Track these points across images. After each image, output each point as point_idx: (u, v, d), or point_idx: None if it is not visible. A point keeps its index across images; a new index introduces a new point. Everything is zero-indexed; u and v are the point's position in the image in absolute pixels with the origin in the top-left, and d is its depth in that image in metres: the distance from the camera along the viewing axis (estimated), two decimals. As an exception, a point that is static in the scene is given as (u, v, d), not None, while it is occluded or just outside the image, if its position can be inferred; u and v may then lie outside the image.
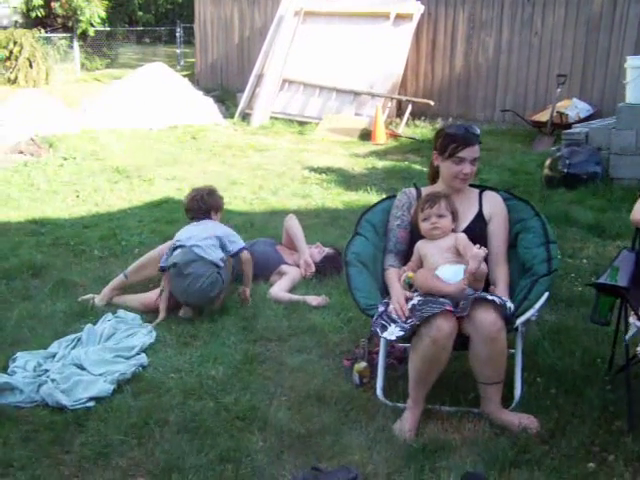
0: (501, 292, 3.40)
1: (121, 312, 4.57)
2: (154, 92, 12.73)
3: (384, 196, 7.75)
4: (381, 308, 3.37)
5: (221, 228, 4.88)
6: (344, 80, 12.48)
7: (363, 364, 3.66)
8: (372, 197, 7.75)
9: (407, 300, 3.36)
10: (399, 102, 12.73)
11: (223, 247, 4.71)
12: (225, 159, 9.98)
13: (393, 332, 3.18)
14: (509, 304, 3.25)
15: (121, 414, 3.41)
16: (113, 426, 3.31)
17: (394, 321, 3.25)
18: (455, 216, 3.58)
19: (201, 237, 4.66)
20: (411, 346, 3.27)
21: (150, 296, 4.73)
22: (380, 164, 9.78)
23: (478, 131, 3.63)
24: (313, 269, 5.18)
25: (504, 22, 12.06)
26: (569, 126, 9.50)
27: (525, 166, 9.16)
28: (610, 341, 3.78)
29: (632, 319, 3.20)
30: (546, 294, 3.35)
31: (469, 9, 12.43)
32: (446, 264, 3.43)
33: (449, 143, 3.57)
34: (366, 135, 11.67)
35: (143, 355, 4.00)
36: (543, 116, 10.96)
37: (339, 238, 6.14)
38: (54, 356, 4.01)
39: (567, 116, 10.53)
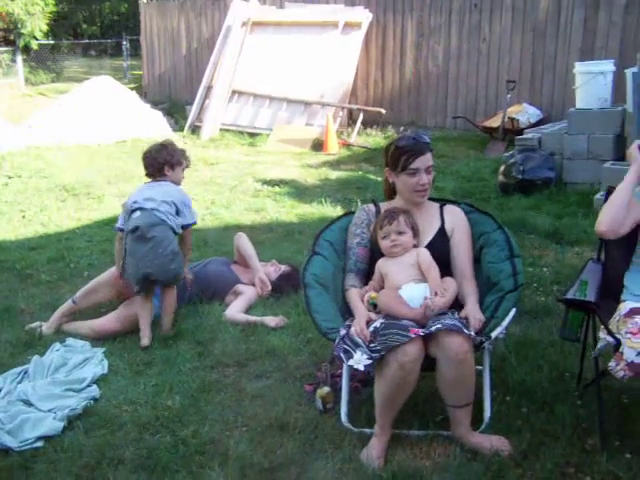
0: (471, 307, 3.27)
1: (70, 340, 4.36)
2: (101, 106, 12.46)
3: (339, 207, 7.80)
4: (343, 331, 3.22)
5: (177, 193, 4.67)
6: (294, 90, 12.35)
7: (326, 389, 3.51)
8: (326, 209, 7.64)
9: (370, 322, 3.22)
10: (350, 111, 12.64)
11: (177, 214, 4.58)
12: (175, 173, 9.75)
13: (360, 360, 3.03)
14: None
15: (72, 454, 3.21)
16: (64, 468, 3.11)
17: (358, 345, 3.11)
18: (416, 232, 3.46)
19: (158, 200, 4.49)
20: (377, 372, 3.12)
21: (101, 322, 4.52)
22: (334, 174, 9.66)
23: (428, 139, 3.52)
24: (269, 287, 5.01)
25: (452, 29, 12.06)
26: (520, 131, 9.50)
27: (479, 173, 9.13)
28: (577, 354, 3.70)
29: (602, 333, 3.10)
30: (513, 310, 3.24)
31: (417, 16, 12.40)
32: (410, 282, 3.31)
33: (400, 156, 3.45)
34: (318, 145, 11.55)
35: (94, 387, 3.80)
36: (494, 122, 10.97)
37: (295, 253, 6.00)
38: (-1, 391, 3.79)
39: (518, 121, 10.56)
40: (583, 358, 3.60)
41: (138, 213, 4.42)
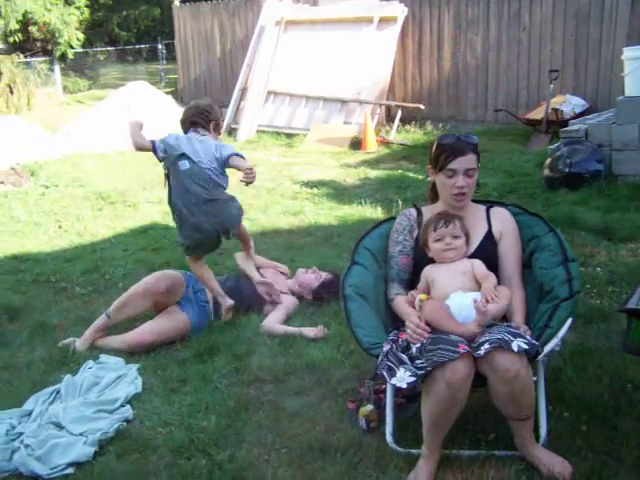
0: (518, 324, 3.04)
1: (103, 357, 4.21)
2: (137, 111, 12.36)
3: (379, 208, 7.57)
4: (386, 347, 3.01)
5: (219, 148, 4.55)
6: (331, 88, 12.15)
7: (370, 407, 3.29)
8: (366, 210, 7.43)
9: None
10: (388, 108, 12.41)
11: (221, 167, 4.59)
12: (212, 178, 9.60)
13: (403, 378, 2.82)
14: (530, 341, 2.88)
15: (103, 481, 3.05)
16: (94, 498, 2.96)
17: (402, 362, 2.90)
18: (468, 238, 3.25)
19: (206, 159, 4.49)
20: (423, 389, 2.90)
21: (135, 334, 4.37)
22: (373, 174, 9.44)
23: (474, 139, 3.29)
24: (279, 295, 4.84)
25: (491, 19, 11.74)
26: (565, 123, 9.16)
27: (523, 167, 8.83)
28: (638, 363, 3.44)
29: (669, 344, 2.85)
30: (570, 320, 3.00)
31: (454, 8, 12.10)
32: (458, 291, 3.08)
33: (440, 154, 3.25)
34: (356, 144, 11.33)
35: (128, 408, 3.64)
36: (537, 114, 10.64)
37: (335, 258, 5.80)
38: (30, 414, 3.64)
39: (562, 112, 10.21)
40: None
41: (188, 165, 4.45)
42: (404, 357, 2.92)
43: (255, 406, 3.60)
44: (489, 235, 3.30)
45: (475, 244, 3.28)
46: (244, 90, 13.01)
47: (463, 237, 3.21)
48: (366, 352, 3.09)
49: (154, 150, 4.54)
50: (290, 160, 10.68)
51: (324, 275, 4.94)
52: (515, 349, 2.76)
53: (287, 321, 4.60)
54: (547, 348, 2.91)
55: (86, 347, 4.43)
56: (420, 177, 8.97)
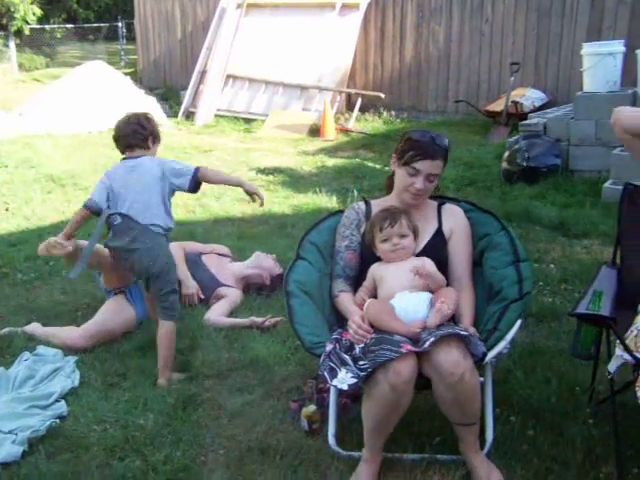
0: (466, 326, 2.94)
1: (41, 348, 4.04)
2: (94, 92, 12.08)
3: (334, 198, 7.45)
4: (329, 347, 2.89)
5: (160, 165, 3.92)
6: (291, 74, 11.98)
7: (312, 407, 3.18)
8: (322, 199, 7.32)
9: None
10: (348, 96, 12.28)
11: (172, 191, 3.95)
12: (167, 162, 9.39)
13: (345, 380, 2.71)
14: (476, 341, 2.79)
15: (30, 484, 2.90)
16: (18, 502, 2.80)
17: (345, 363, 2.79)
18: (416, 234, 3.13)
19: (138, 192, 3.84)
20: (365, 391, 2.80)
21: (72, 338, 4.14)
22: (330, 162, 9.31)
23: (446, 144, 3.14)
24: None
25: (454, 9, 11.64)
26: (524, 116, 9.13)
27: (482, 159, 8.76)
28: (588, 364, 3.37)
29: (618, 350, 2.77)
30: (519, 322, 2.91)
31: (417, -4, 11.99)
32: (405, 291, 2.97)
33: (409, 149, 3.10)
34: (315, 131, 11.19)
35: (62, 403, 3.47)
36: (497, 106, 10.59)
37: (287, 249, 5.65)
38: (-41, 410, 3.47)
39: (522, 105, 10.17)
40: (595, 372, 3.27)
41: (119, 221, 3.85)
42: (347, 358, 2.81)
43: (195, 403, 3.46)
44: (439, 233, 3.20)
45: (424, 241, 3.17)
46: (203, 73, 12.77)
47: (411, 235, 3.10)
48: (308, 351, 2.97)
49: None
50: (248, 146, 10.50)
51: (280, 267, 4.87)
52: (463, 333, 2.70)
53: (232, 315, 4.47)
54: (494, 351, 2.83)
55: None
56: (378, 166, 8.88)
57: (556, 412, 3.19)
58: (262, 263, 4.83)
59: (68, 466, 2.99)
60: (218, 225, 6.51)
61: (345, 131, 11.10)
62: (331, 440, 3.02)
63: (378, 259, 3.14)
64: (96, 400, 3.52)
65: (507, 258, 3.11)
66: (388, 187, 3.37)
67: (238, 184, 4.24)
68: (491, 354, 2.81)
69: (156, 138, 4.08)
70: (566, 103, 9.45)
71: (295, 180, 8.32)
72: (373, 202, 3.35)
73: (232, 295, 4.60)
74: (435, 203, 3.28)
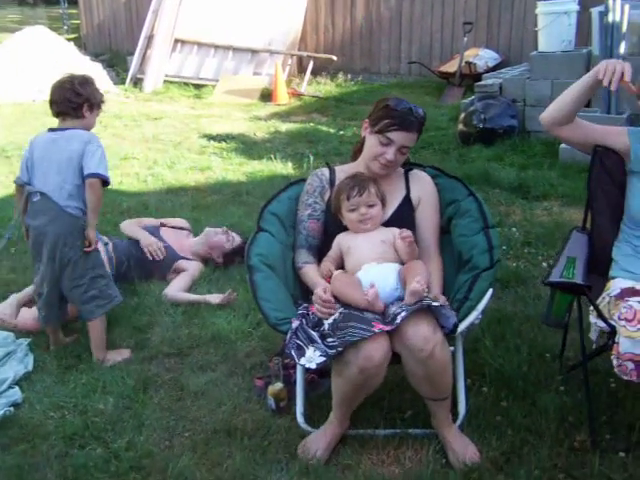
0: (436, 295, 2.85)
1: (-10, 332, 3.85)
2: (36, 59, 11.62)
3: (290, 164, 7.30)
4: (295, 323, 2.77)
5: (86, 144, 3.49)
6: (241, 38, 11.66)
7: (279, 385, 3.07)
8: (277, 166, 7.15)
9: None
10: (300, 59, 12.03)
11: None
12: (116, 131, 9.07)
13: (313, 358, 2.60)
14: (447, 311, 2.69)
15: (-18, 478, 2.74)
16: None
17: (312, 340, 2.67)
18: (384, 203, 3.01)
19: (55, 168, 3.51)
20: (334, 369, 2.69)
21: (26, 317, 3.95)
22: (283, 127, 9.12)
23: (423, 116, 2.99)
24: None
25: (405, -32, 11.45)
26: (478, 76, 9.04)
27: (437, 121, 8.65)
28: (556, 331, 3.32)
29: (592, 317, 2.71)
30: (490, 291, 2.83)
31: (368, -45, 11.75)
32: (372, 262, 2.86)
33: (385, 116, 2.94)
34: (267, 96, 10.94)
35: (16, 390, 3.29)
36: (451, 67, 10.47)
37: (243, 218, 5.54)
38: None
39: (476, 66, 10.06)
40: (565, 338, 3.22)
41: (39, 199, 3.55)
42: (314, 335, 2.70)
43: (156, 384, 3.33)
44: (407, 200, 3.08)
45: (391, 210, 3.05)
46: (150, 38, 12.38)
47: (379, 204, 2.97)
48: (273, 328, 2.84)
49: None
50: (198, 112, 10.23)
51: (236, 237, 4.67)
52: (435, 304, 2.61)
53: (192, 288, 4.32)
54: (466, 322, 2.74)
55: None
56: (332, 131, 8.73)
57: (528, 381, 3.13)
58: (210, 241, 4.61)
59: (24, 458, 2.84)
60: (172, 195, 6.31)
61: (297, 95, 10.88)
62: (299, 418, 2.93)
63: (343, 228, 3.02)
64: (52, 385, 3.36)
65: (476, 225, 3.01)
66: (355, 153, 3.23)
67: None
68: (463, 325, 2.72)
69: (93, 106, 3.65)
70: (519, 63, 9.39)
71: (248, 147, 8.13)
72: (337, 168, 3.22)
73: (192, 268, 4.44)
74: (401, 170, 3.16)
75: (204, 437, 2.92)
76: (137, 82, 12.21)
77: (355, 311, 2.68)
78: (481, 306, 2.78)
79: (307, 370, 3.00)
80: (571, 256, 2.79)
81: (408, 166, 3.21)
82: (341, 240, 3.00)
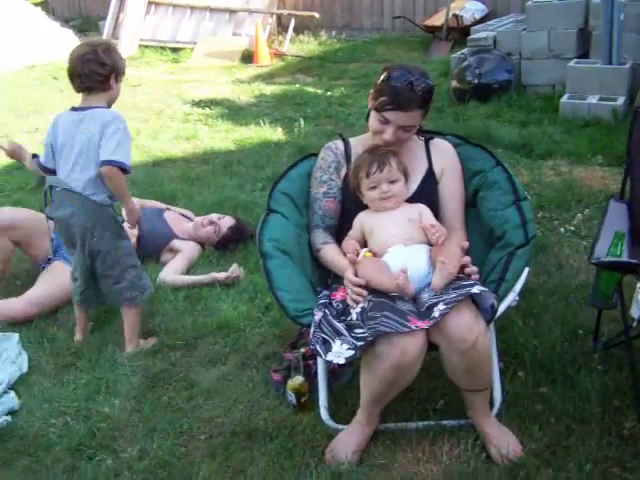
0: (472, 270, 2.59)
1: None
2: (2, 27, 11.14)
3: (279, 129, 6.99)
4: (318, 315, 2.53)
5: (107, 125, 3.16)
6: (217, -3, 11.25)
7: (299, 379, 2.82)
8: (266, 131, 6.86)
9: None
10: (279, 17, 11.63)
11: None
12: (94, 100, 8.72)
13: (341, 353, 2.37)
14: (486, 293, 2.45)
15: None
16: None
17: (339, 333, 2.44)
18: (406, 177, 2.75)
19: (76, 156, 3.19)
20: (363, 362, 2.46)
21: (16, 306, 3.70)
22: (268, 89, 8.78)
23: (427, 89, 2.67)
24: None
25: None
26: (466, 29, 8.76)
27: (427, 78, 8.37)
28: (583, 301, 3.14)
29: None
30: (526, 270, 2.61)
31: None
32: (399, 244, 2.61)
33: (382, 94, 2.66)
34: (248, 57, 10.55)
35: (12, 396, 3.02)
36: (437, 20, 10.13)
37: (236, 190, 5.29)
38: None
39: (462, 18, 9.73)
40: (600, 313, 3.00)
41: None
42: (340, 326, 2.46)
43: (164, 382, 3.07)
44: (430, 173, 2.83)
45: (414, 185, 2.80)
46: (122, 1, 11.92)
47: (402, 179, 2.72)
48: (294, 321, 2.61)
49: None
50: (178, 77, 9.85)
51: (222, 225, 4.31)
52: (477, 292, 2.36)
53: (191, 271, 4.07)
54: (504, 305, 2.52)
55: None
56: (319, 92, 8.42)
57: (564, 361, 2.92)
58: (197, 234, 4.31)
59: (28, 474, 2.60)
60: (159, 168, 6.01)
61: (280, 55, 10.52)
62: (324, 414, 2.71)
63: (363, 207, 2.77)
64: (50, 387, 3.10)
65: (506, 198, 2.77)
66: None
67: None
68: (500, 308, 2.50)
69: (119, 74, 3.32)
70: (506, 14, 9.12)
71: (234, 112, 7.80)
72: (352, 140, 2.94)
73: (187, 250, 4.15)
74: (421, 139, 2.90)
75: (223, 440, 2.68)
76: (111, 48, 11.74)
77: (386, 299, 2.43)
78: (518, 287, 2.57)
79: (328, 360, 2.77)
80: (619, 231, 2.56)
81: (428, 135, 2.94)
82: (363, 220, 2.75)
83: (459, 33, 9.73)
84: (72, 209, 3.20)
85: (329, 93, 8.33)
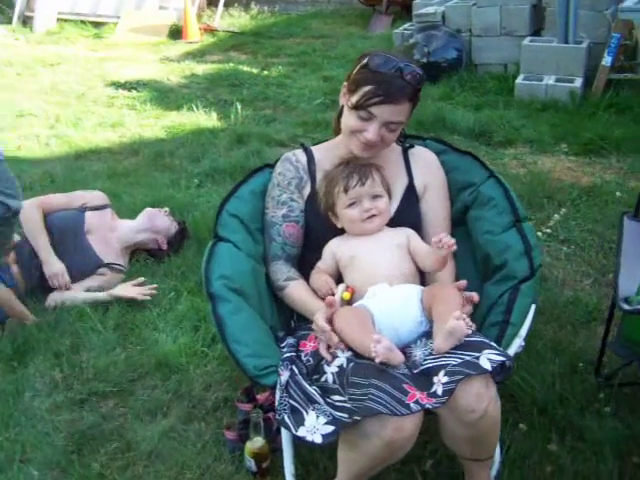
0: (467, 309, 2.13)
1: None
2: None
3: (214, 114, 6.42)
4: (284, 374, 2.03)
5: None
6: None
7: (259, 441, 2.33)
8: (200, 117, 6.30)
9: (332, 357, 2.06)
10: (208, -11, 10.98)
11: None
12: (7, 81, 7.91)
13: (316, 428, 1.88)
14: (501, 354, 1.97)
15: None
16: None
17: (312, 400, 1.95)
18: (390, 194, 2.28)
19: None
20: (343, 438, 1.96)
21: None
22: (200, 69, 8.17)
23: (418, 78, 2.17)
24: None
25: None
26: (407, 3, 8.29)
27: (369, 55, 7.90)
28: (579, 331, 2.73)
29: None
30: (533, 308, 2.17)
31: None
32: (383, 283, 2.13)
33: (362, 84, 2.15)
34: (176, 33, 9.85)
35: None
36: (379, -7, 9.69)
37: (170, 187, 4.74)
38: None
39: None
40: (604, 346, 2.59)
41: None
42: (312, 391, 1.97)
43: (95, 442, 2.53)
44: (410, 189, 2.35)
45: (395, 203, 2.32)
46: (36, -30, 11.06)
47: (385, 195, 2.24)
48: (253, 382, 2.11)
49: None
50: (101, 55, 9.11)
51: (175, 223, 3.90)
52: (488, 368, 1.87)
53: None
54: (510, 351, 2.07)
55: None
56: (255, 71, 7.87)
57: (568, 404, 2.50)
58: (156, 224, 3.79)
59: None
60: (81, 161, 5.39)
61: (210, 31, 9.86)
62: (290, 481, 2.23)
63: (334, 231, 2.28)
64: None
65: (503, 219, 2.31)
66: (337, 127, 2.39)
67: None
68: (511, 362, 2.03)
69: None
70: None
71: (163, 94, 7.16)
72: (316, 152, 2.43)
73: (109, 277, 3.60)
74: (399, 148, 2.42)
75: (170, 525, 2.19)
76: (26, 21, 10.91)
77: (371, 360, 1.95)
78: (524, 331, 2.12)
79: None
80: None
81: (405, 142, 2.46)
82: (337, 247, 2.26)
83: (399, 7, 9.31)
84: None
85: (265, 72, 7.79)
